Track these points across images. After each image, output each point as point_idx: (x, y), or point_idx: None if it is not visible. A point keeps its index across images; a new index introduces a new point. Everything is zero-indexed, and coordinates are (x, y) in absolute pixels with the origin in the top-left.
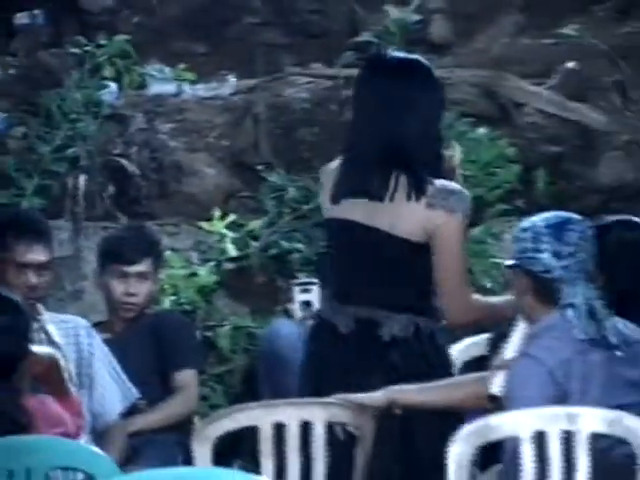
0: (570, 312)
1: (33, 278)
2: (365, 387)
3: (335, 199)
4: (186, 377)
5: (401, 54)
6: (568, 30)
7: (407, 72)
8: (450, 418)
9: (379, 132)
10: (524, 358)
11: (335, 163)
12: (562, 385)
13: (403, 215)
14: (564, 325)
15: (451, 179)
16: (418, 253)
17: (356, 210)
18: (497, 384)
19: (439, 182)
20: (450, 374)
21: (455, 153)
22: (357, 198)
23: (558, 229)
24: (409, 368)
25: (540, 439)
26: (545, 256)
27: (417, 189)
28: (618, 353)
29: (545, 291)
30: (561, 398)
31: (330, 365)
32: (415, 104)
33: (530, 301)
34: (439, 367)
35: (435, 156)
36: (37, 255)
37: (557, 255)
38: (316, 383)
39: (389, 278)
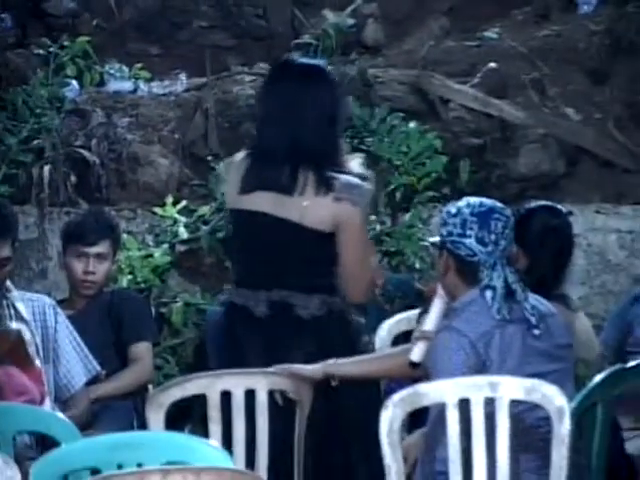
0: (489, 293)
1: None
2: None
3: (244, 191)
4: (141, 349)
5: (304, 60)
6: (490, 33)
7: (307, 76)
8: (370, 387)
9: (283, 130)
10: (447, 330)
11: (239, 157)
12: (482, 355)
13: (312, 208)
14: (483, 301)
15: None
16: (325, 241)
17: (265, 202)
18: (416, 352)
19: (344, 177)
20: (359, 347)
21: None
22: (267, 192)
23: (484, 217)
24: (324, 345)
25: (464, 405)
26: (470, 241)
27: (326, 185)
28: (535, 331)
29: (468, 272)
30: (481, 367)
31: (249, 347)
32: (314, 105)
33: (453, 279)
34: (350, 342)
35: (335, 151)
36: (2, 252)
37: (481, 241)
38: (239, 364)
39: (299, 264)
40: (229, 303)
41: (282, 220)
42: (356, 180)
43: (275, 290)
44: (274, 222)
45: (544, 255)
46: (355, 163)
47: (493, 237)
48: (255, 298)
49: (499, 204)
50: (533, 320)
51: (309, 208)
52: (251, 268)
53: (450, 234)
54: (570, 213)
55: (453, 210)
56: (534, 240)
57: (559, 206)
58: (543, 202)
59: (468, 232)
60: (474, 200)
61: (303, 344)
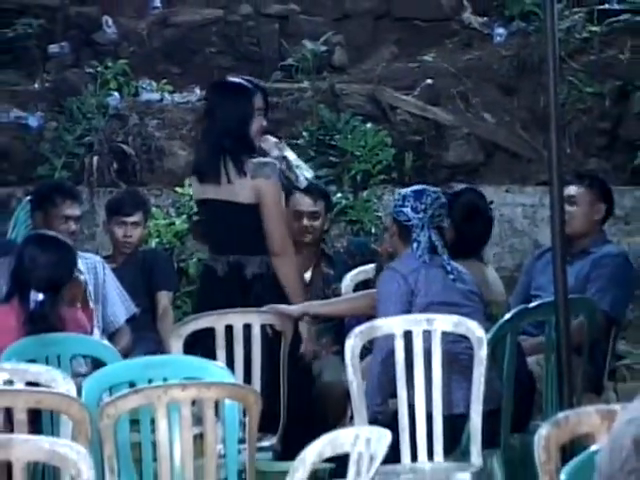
0: (415, 244)
1: (73, 226)
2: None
3: (197, 186)
4: (163, 296)
5: (232, 79)
6: (427, 57)
7: (227, 89)
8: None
9: (210, 132)
10: (386, 269)
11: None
12: (411, 285)
13: (238, 187)
14: (414, 253)
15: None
16: (256, 212)
17: (209, 191)
18: None
19: (255, 159)
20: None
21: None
22: (207, 183)
23: (418, 194)
24: (269, 296)
25: (409, 336)
26: (407, 210)
27: (242, 168)
28: (451, 276)
29: (405, 233)
30: (411, 295)
31: (213, 300)
32: (227, 109)
33: (396, 242)
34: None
35: (246, 140)
36: (75, 210)
37: (415, 210)
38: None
39: (243, 232)
40: (203, 265)
41: (224, 201)
42: (266, 159)
43: (231, 254)
44: (220, 204)
45: (469, 229)
46: (268, 144)
47: (423, 207)
48: (219, 260)
49: (432, 187)
50: (449, 268)
51: (236, 188)
52: (215, 238)
53: (395, 207)
54: (491, 202)
55: (401, 192)
56: (458, 217)
57: (479, 189)
58: (468, 186)
59: (406, 204)
60: (413, 187)
61: (251, 297)
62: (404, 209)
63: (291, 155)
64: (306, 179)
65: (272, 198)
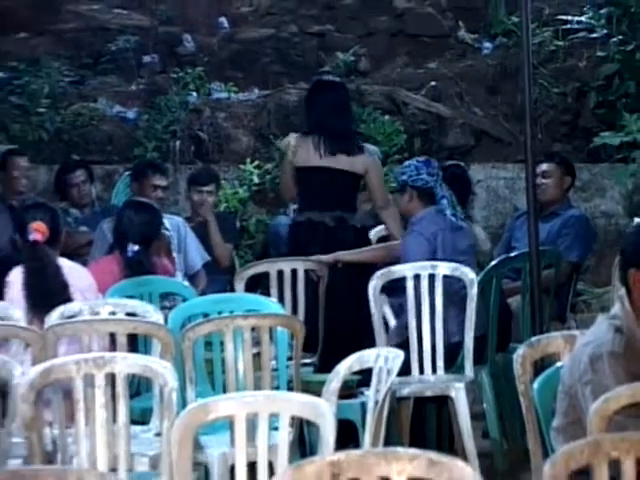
0: (444, 201)
1: (160, 194)
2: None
3: (320, 156)
4: (228, 247)
5: (327, 77)
6: (431, 65)
7: (329, 85)
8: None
9: (325, 118)
10: (411, 231)
11: (294, 136)
12: (433, 245)
13: (354, 161)
14: (432, 215)
15: None
16: (346, 178)
17: (327, 161)
18: None
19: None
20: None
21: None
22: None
23: (426, 162)
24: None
25: (417, 278)
26: (424, 176)
27: (355, 148)
28: (458, 232)
29: (425, 196)
30: (433, 251)
31: (309, 243)
32: (337, 100)
33: (415, 204)
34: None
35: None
36: (163, 181)
37: (429, 174)
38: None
39: (333, 193)
40: (307, 218)
41: (332, 169)
42: (367, 145)
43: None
44: (328, 171)
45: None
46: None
47: (435, 171)
48: (320, 216)
49: (427, 158)
50: (461, 218)
51: (347, 161)
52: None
53: (410, 176)
54: (478, 182)
55: (405, 165)
56: (448, 183)
57: (462, 163)
58: (453, 162)
59: (421, 172)
60: (416, 159)
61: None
62: (421, 176)
63: None
64: None
65: (377, 170)
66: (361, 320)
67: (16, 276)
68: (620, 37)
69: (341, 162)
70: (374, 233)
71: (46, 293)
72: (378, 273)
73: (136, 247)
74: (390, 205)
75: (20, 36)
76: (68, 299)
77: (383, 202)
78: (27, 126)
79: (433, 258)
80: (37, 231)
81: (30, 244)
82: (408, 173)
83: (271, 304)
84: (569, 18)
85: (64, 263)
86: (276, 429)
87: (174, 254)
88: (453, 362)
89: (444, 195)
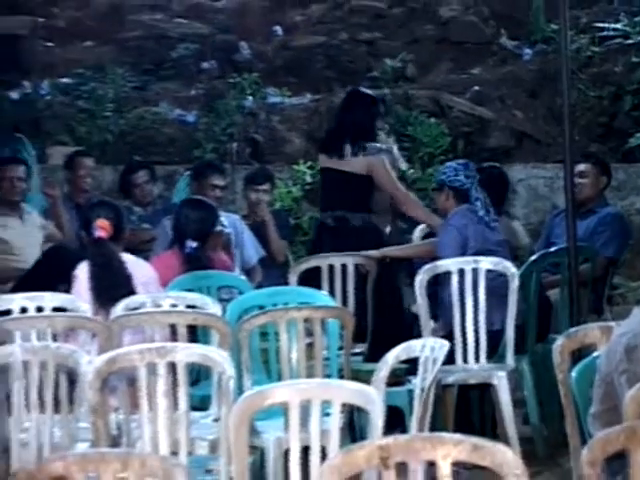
0: (478, 203)
1: (218, 193)
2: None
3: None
4: (284, 244)
5: (359, 88)
6: (475, 70)
7: (360, 96)
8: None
9: (342, 122)
10: (447, 225)
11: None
12: (465, 235)
13: (354, 162)
14: (464, 211)
15: None
16: (364, 180)
17: (333, 162)
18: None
19: (368, 144)
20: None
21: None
22: (332, 158)
23: (465, 165)
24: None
25: (461, 272)
26: (461, 177)
27: (360, 149)
28: (491, 224)
29: (460, 196)
30: (464, 241)
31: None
32: (354, 109)
33: (450, 203)
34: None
35: (369, 132)
36: (221, 181)
37: (467, 177)
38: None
39: (351, 194)
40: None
41: (340, 171)
42: (374, 145)
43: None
44: (338, 173)
45: (490, 192)
46: (382, 139)
47: (472, 174)
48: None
49: (466, 161)
50: (494, 219)
51: (351, 163)
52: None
53: (448, 176)
54: (519, 181)
55: (447, 165)
56: (485, 184)
57: (497, 164)
58: (490, 164)
59: (459, 173)
60: (457, 161)
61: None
62: (458, 177)
63: (395, 150)
64: (401, 170)
65: (381, 169)
66: (406, 311)
67: (82, 271)
68: None
69: (341, 163)
70: (418, 231)
71: (110, 286)
72: (424, 268)
73: (194, 244)
74: (408, 198)
75: (87, 44)
76: (131, 292)
77: (399, 198)
78: (93, 129)
79: (465, 247)
80: (101, 228)
81: (95, 240)
82: (447, 174)
83: (322, 297)
84: (605, 25)
85: (127, 258)
86: (328, 415)
87: (232, 250)
88: (495, 352)
89: (478, 197)
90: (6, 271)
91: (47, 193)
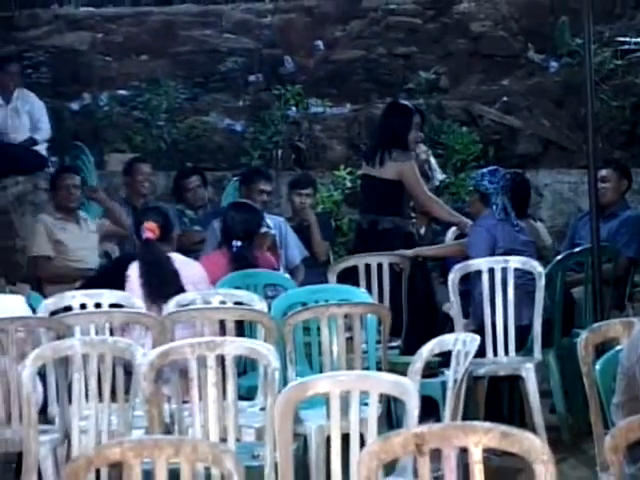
0: (494, 207)
1: (265, 197)
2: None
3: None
4: (326, 244)
5: (400, 100)
6: (504, 82)
7: (397, 107)
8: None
9: (379, 131)
10: (475, 226)
11: None
12: (493, 235)
13: (386, 168)
14: (492, 214)
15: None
16: (394, 185)
17: (368, 170)
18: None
19: (399, 152)
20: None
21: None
22: (370, 165)
23: (492, 172)
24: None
25: (491, 271)
26: (485, 183)
27: (391, 157)
28: (516, 228)
29: (485, 200)
30: (493, 243)
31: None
32: (391, 120)
33: (478, 205)
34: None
35: (404, 142)
36: (267, 186)
37: (490, 182)
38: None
39: (382, 199)
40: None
41: (376, 177)
42: (405, 152)
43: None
44: (374, 179)
45: (516, 198)
46: (420, 149)
47: (496, 180)
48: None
49: (500, 168)
50: (515, 223)
51: (384, 170)
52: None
53: (476, 181)
54: (545, 185)
55: (478, 172)
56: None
57: (520, 171)
58: (515, 170)
59: (484, 179)
60: (488, 167)
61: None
62: (483, 182)
63: (432, 160)
64: (438, 179)
65: (409, 174)
66: (438, 308)
67: (133, 270)
68: None
69: (376, 170)
70: (451, 232)
71: (159, 283)
72: (456, 267)
73: (239, 243)
74: (432, 200)
75: (142, 59)
76: (179, 288)
77: (424, 201)
78: (148, 137)
79: (493, 247)
80: (149, 230)
81: (144, 241)
82: (476, 179)
83: (361, 294)
84: (627, 39)
85: (177, 257)
86: (366, 405)
87: (277, 250)
88: (523, 345)
89: (495, 202)
90: (64, 268)
91: (91, 197)
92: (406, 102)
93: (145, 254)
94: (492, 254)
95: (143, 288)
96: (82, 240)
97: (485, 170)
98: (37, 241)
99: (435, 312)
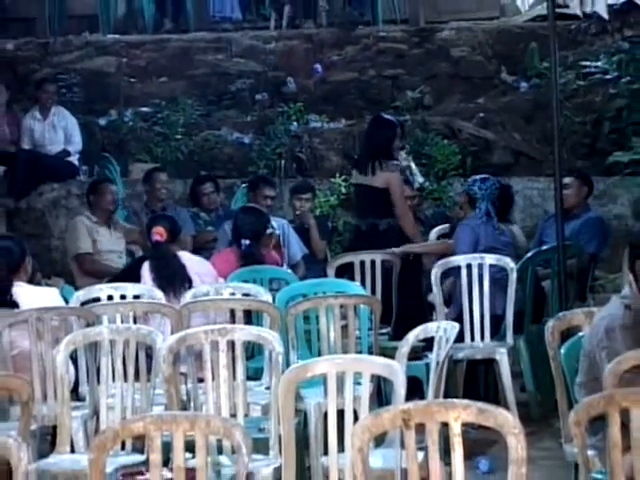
0: (477, 210)
1: (269, 202)
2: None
3: (357, 174)
4: (324, 243)
5: (384, 114)
6: (480, 100)
7: (381, 120)
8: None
9: (366, 143)
10: (461, 224)
11: None
12: (477, 234)
13: (377, 177)
14: (476, 216)
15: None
16: (385, 193)
17: (361, 178)
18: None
19: (388, 162)
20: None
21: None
22: (362, 174)
23: (482, 179)
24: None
25: (469, 267)
26: (474, 187)
27: (380, 166)
28: (497, 231)
29: (472, 203)
30: (476, 238)
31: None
32: (377, 132)
33: (466, 208)
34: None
35: (389, 151)
36: (272, 192)
37: (479, 188)
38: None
39: (377, 204)
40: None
41: (368, 186)
42: (393, 162)
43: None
44: (366, 188)
45: (504, 207)
46: (401, 157)
47: (484, 187)
48: (362, 222)
49: (490, 176)
50: (496, 225)
51: (374, 178)
52: (358, 207)
53: (468, 186)
54: (517, 192)
55: (472, 177)
56: (498, 197)
57: (501, 180)
58: (497, 178)
59: (474, 184)
60: (481, 175)
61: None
62: (473, 187)
63: (413, 165)
64: (419, 182)
65: (395, 184)
66: (423, 299)
67: (145, 268)
68: (628, 78)
69: (367, 179)
70: (435, 231)
71: (168, 276)
72: (438, 263)
73: (248, 242)
74: (407, 215)
75: (162, 80)
76: (188, 280)
77: (400, 211)
78: (167, 149)
79: (477, 245)
80: (157, 234)
81: (154, 243)
82: (468, 184)
83: (355, 287)
84: (588, 63)
85: (185, 255)
86: (359, 384)
87: (282, 248)
88: (497, 332)
89: (479, 206)
90: (96, 264)
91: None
92: (388, 116)
93: (155, 253)
94: (475, 250)
95: (154, 282)
96: (112, 244)
97: (477, 177)
98: (81, 240)
99: (421, 303)
